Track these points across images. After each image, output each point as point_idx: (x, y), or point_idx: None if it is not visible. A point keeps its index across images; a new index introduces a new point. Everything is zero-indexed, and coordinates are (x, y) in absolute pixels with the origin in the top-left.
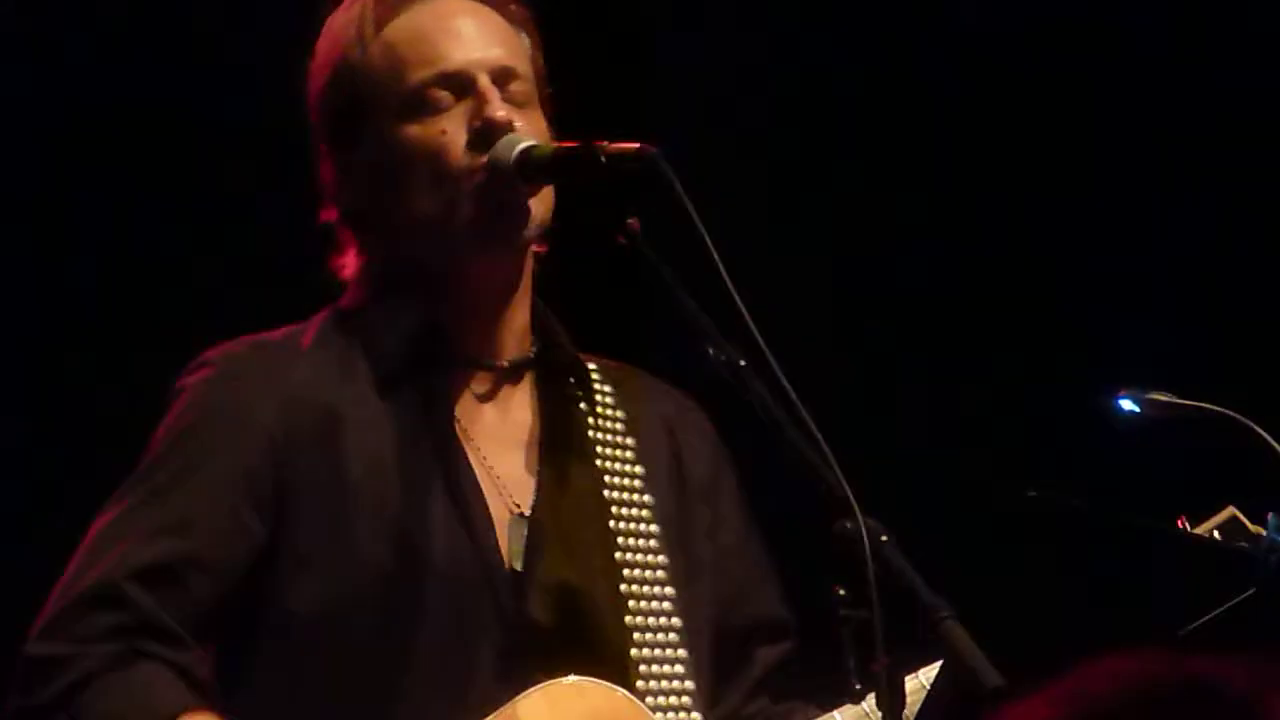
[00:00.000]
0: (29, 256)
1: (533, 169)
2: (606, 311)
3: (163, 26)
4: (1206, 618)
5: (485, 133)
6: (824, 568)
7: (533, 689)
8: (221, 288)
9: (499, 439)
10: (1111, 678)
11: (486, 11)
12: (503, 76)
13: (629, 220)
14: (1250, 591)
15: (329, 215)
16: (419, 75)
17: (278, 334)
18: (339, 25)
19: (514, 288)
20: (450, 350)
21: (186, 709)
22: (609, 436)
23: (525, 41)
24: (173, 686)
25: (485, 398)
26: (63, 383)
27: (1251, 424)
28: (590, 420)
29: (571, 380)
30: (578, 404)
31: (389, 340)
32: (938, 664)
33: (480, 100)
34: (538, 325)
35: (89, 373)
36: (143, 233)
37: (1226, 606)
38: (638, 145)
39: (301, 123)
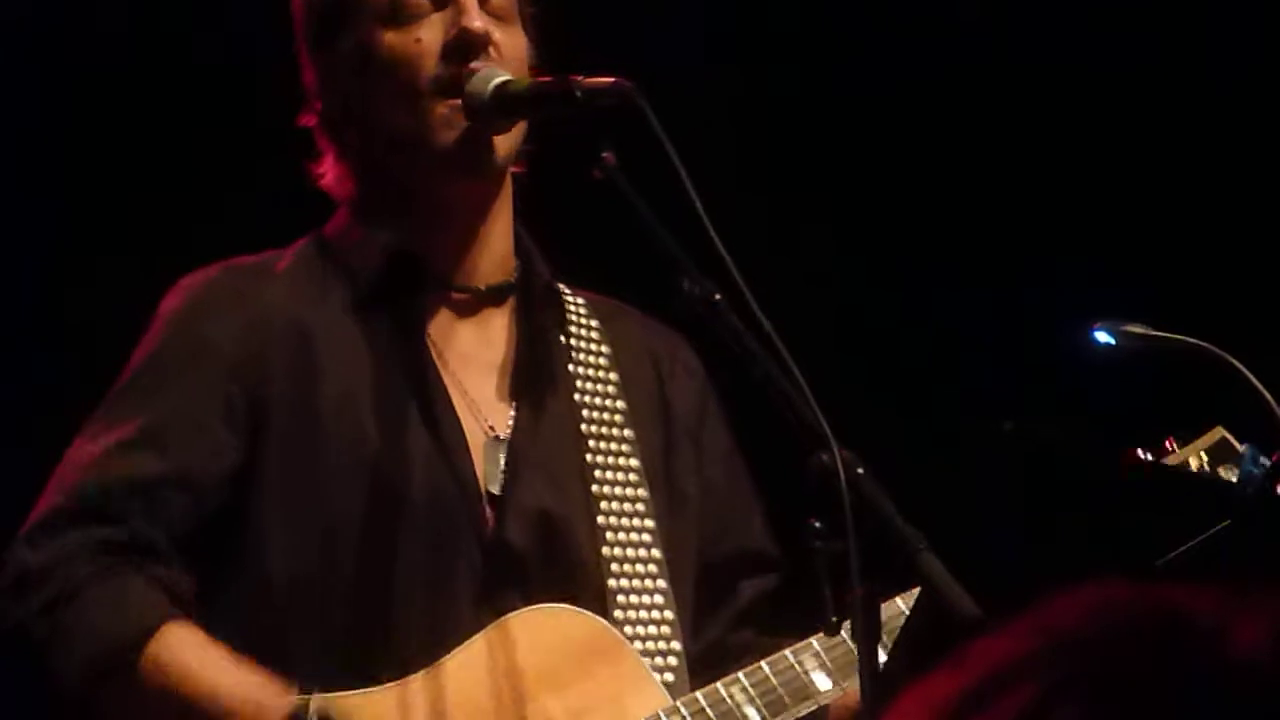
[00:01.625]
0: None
1: (508, 103)
2: (582, 244)
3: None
4: (1181, 549)
5: (460, 43)
6: (801, 501)
7: (507, 616)
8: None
9: (475, 362)
10: (1083, 611)
11: None
12: None
13: (604, 154)
14: (1224, 524)
15: (309, 120)
16: None
17: (254, 257)
18: None
19: (490, 209)
20: (427, 273)
21: (166, 620)
22: (589, 370)
23: None
24: (153, 598)
25: (463, 321)
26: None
27: (1226, 355)
28: (571, 354)
29: (553, 310)
30: (558, 336)
31: (365, 265)
32: (915, 591)
33: (458, 10)
34: (520, 250)
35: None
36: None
37: (1200, 538)
38: (613, 79)
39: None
